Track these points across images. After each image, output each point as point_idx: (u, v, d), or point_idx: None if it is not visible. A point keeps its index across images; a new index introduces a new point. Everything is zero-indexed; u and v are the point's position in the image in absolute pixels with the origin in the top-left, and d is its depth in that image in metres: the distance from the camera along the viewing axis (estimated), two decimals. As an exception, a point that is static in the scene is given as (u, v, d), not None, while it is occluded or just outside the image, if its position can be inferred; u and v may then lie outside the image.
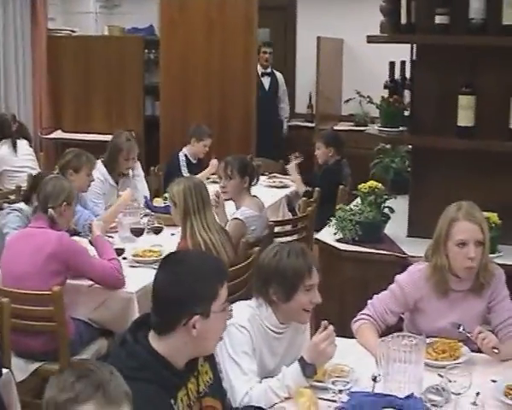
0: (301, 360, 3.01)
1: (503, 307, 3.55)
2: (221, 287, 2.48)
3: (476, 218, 3.46)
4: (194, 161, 7.47)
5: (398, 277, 3.65)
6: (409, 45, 5.03)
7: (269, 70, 9.83)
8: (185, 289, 2.42)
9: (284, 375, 3.01)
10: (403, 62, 5.08)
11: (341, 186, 6.66)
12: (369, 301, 3.64)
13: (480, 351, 3.41)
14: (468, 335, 3.39)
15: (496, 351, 3.31)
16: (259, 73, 9.52)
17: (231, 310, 2.60)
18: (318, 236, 4.97)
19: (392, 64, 4.97)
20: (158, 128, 9.16)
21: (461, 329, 3.47)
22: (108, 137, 6.49)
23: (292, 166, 7.32)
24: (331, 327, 3.05)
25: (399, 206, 5.06)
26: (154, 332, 2.46)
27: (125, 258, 4.72)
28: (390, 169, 6.21)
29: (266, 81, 9.82)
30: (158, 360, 2.41)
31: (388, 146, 6.52)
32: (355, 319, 3.61)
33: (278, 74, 9.96)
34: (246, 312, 3.15)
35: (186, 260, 2.58)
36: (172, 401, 2.42)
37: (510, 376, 3.13)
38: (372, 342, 3.41)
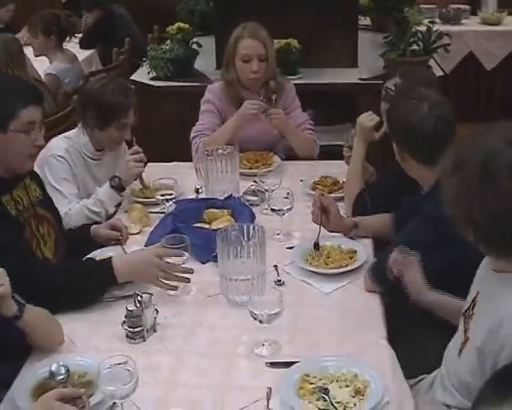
0: (111, 177, 3.35)
1: (297, 115, 3.97)
2: (23, 108, 2.61)
3: (259, 36, 3.82)
4: (1, 26, 7.37)
5: (202, 99, 3.95)
6: None
7: None
8: None
9: (96, 192, 3.35)
10: None
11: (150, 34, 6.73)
12: (193, 130, 3.86)
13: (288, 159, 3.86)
14: None
15: None
16: None
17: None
18: (133, 76, 5.19)
19: None
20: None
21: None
22: None
23: None
24: (139, 148, 3.40)
25: (207, 44, 5.34)
26: None
27: None
28: (195, 12, 6.44)
29: None
30: None
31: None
32: (193, 147, 3.82)
33: None
34: (63, 143, 3.42)
35: None
36: None
37: (315, 174, 3.60)
38: None
